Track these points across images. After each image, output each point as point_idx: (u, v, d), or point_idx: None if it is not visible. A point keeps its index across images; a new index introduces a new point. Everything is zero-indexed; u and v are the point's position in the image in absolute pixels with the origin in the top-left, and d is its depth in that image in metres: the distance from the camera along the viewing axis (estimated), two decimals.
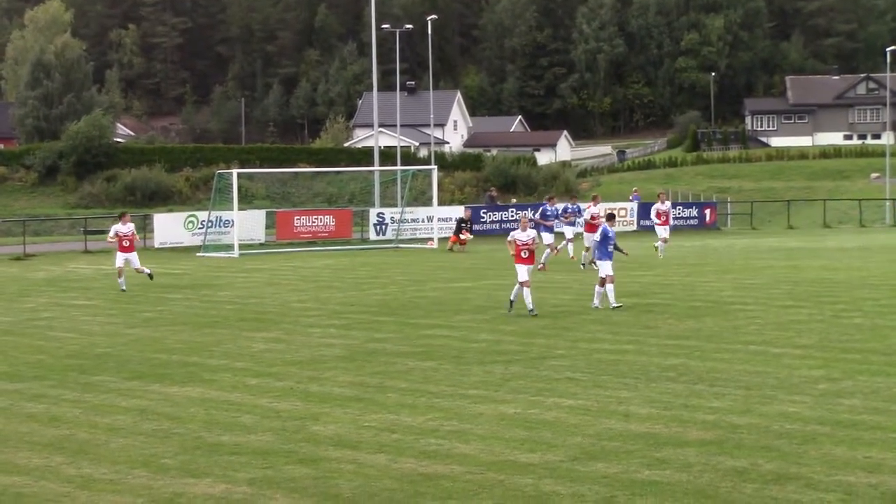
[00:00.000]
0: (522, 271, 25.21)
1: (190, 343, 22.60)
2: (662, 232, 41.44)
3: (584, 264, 36.63)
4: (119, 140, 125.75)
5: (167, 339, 23.10)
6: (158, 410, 16.39)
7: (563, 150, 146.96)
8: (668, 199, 44.59)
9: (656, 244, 41.60)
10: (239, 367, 19.82)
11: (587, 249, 36.23)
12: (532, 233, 26.43)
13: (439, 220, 52.64)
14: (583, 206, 40.69)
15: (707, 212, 63.74)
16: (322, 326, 24.53)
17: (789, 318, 24.52)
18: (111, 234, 33.20)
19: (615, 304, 25.83)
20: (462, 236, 47.78)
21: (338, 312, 26.73)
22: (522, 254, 25.22)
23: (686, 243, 48.79)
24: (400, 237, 53.71)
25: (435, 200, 54.28)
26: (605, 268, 26.15)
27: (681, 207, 63.72)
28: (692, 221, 61.64)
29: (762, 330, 22.93)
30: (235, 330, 24.23)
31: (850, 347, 20.70)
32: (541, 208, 40.15)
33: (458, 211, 52.37)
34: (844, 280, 32.18)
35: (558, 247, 39.04)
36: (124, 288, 31.99)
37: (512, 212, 59.17)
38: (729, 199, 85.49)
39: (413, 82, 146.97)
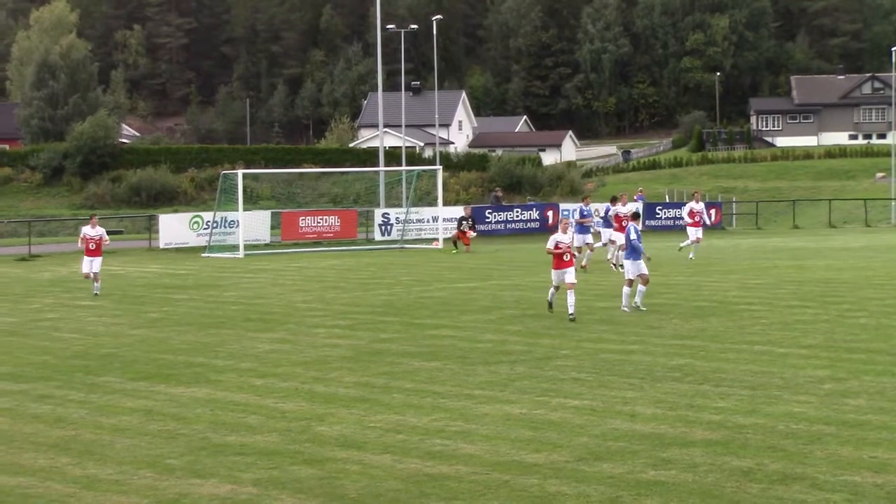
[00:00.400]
0: (557, 276, 25.07)
1: (195, 344, 22.60)
2: (694, 233, 40.91)
3: (614, 264, 36.84)
4: (124, 141, 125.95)
5: (172, 340, 23.11)
6: (164, 411, 16.41)
7: (568, 151, 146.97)
8: (701, 200, 44.04)
9: (684, 244, 41.18)
10: (244, 367, 19.83)
11: (622, 248, 36.19)
12: (571, 234, 26.39)
13: (444, 220, 52.62)
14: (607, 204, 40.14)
15: (712, 212, 63.57)
16: (327, 327, 24.53)
17: (794, 318, 24.49)
18: (81, 235, 32.34)
19: (625, 308, 25.75)
20: (467, 234, 47.58)
21: (343, 313, 26.73)
22: (565, 257, 25.06)
23: None
24: (405, 237, 53.69)
25: (440, 201, 54.23)
26: (629, 269, 26.02)
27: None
28: None
29: (767, 330, 22.91)
30: (241, 330, 24.23)
31: (855, 347, 20.68)
32: (578, 208, 40.11)
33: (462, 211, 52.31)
34: (850, 280, 32.14)
35: (609, 252, 38.60)
36: (97, 293, 31.17)
37: (517, 212, 59.21)
38: (734, 199, 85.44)
39: (418, 83, 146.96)
